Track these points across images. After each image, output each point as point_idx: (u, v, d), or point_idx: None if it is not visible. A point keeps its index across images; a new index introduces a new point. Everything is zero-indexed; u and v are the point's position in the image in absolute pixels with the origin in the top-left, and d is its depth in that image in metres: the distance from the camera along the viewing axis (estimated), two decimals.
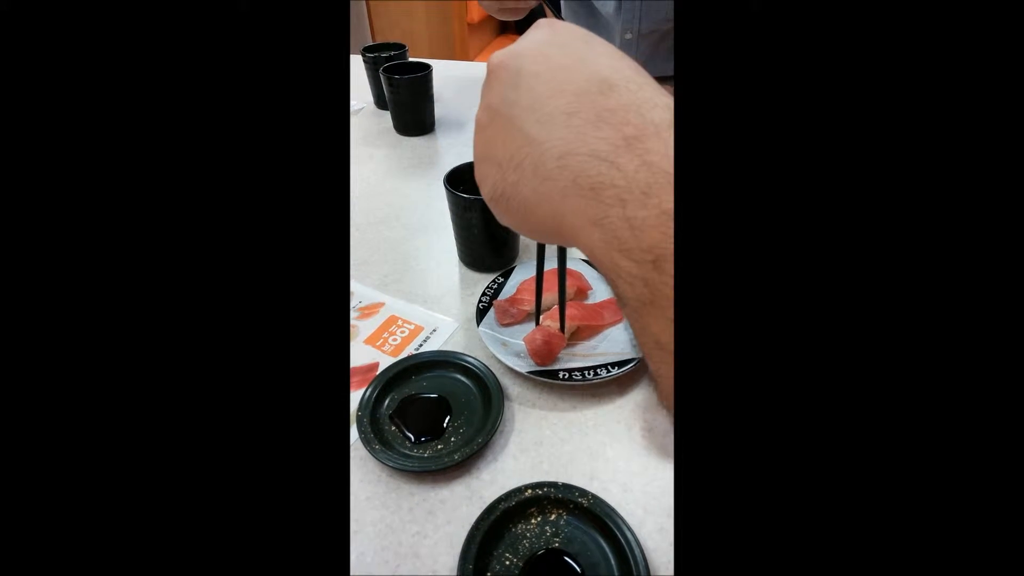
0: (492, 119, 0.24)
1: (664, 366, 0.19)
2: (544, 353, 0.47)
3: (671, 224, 0.18)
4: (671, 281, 0.18)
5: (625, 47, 0.88)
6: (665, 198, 0.18)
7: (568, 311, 0.48)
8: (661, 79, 0.89)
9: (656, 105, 0.20)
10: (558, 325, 0.48)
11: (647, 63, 0.89)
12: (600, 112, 0.20)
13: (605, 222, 0.19)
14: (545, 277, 0.49)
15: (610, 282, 0.20)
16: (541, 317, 0.50)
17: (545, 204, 0.22)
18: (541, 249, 0.43)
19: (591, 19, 0.93)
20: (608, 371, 0.46)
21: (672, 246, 0.18)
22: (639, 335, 0.20)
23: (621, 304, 0.20)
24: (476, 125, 0.26)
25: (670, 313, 0.18)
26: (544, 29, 0.25)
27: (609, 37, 0.90)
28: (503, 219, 0.25)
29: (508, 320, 0.51)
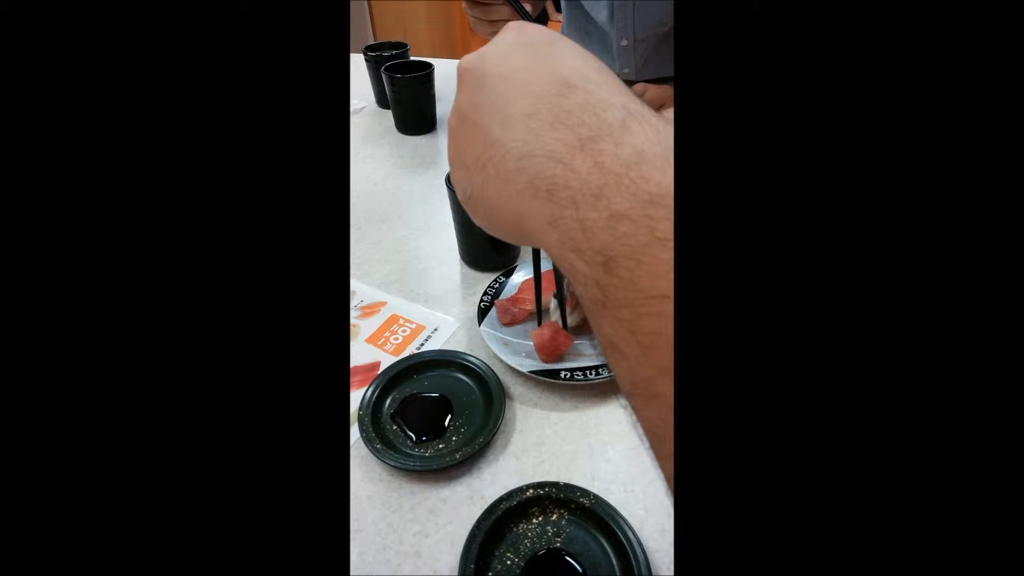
0: (460, 123, 0.25)
1: (618, 367, 0.19)
2: (550, 349, 0.47)
3: (619, 226, 0.18)
4: (620, 284, 0.18)
5: (622, 54, 0.88)
6: (615, 200, 0.18)
7: (568, 305, 0.48)
8: (660, 80, 0.89)
9: (612, 105, 0.20)
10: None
11: (645, 66, 0.89)
12: (558, 113, 0.21)
13: (560, 223, 0.19)
14: (544, 277, 0.49)
15: (570, 282, 0.20)
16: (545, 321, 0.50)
17: (507, 206, 0.22)
18: (536, 250, 0.43)
19: (590, 26, 0.92)
20: (610, 371, 0.46)
21: (621, 248, 0.18)
22: (596, 335, 0.20)
23: (581, 304, 0.20)
24: (448, 130, 0.26)
25: (620, 314, 0.18)
26: (512, 31, 0.25)
27: (606, 45, 0.90)
28: (476, 221, 0.26)
29: (510, 319, 0.51)
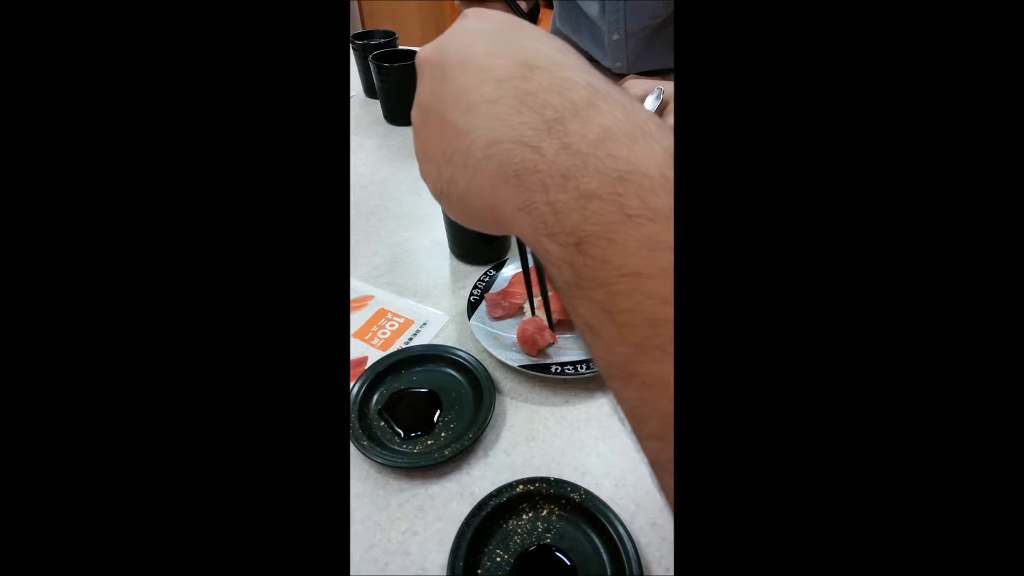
0: (424, 116, 0.24)
1: (595, 349, 0.19)
2: (530, 342, 0.46)
3: (589, 206, 0.18)
4: (592, 263, 0.18)
5: (615, 47, 0.88)
6: (583, 180, 0.18)
7: (554, 304, 0.48)
8: (654, 73, 0.88)
9: (576, 84, 0.20)
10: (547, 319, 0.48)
11: (638, 60, 0.88)
12: (522, 97, 0.20)
13: (531, 207, 0.19)
14: (533, 270, 0.48)
15: (544, 267, 0.20)
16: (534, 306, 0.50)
17: (478, 196, 0.22)
18: (523, 244, 0.43)
19: (581, 20, 0.92)
20: None
21: (591, 227, 0.18)
22: (573, 319, 0.20)
23: (556, 289, 0.20)
24: (412, 125, 0.26)
25: (594, 295, 0.18)
26: (470, 19, 0.25)
27: (598, 39, 0.90)
28: (449, 215, 0.25)
29: (500, 313, 0.51)
